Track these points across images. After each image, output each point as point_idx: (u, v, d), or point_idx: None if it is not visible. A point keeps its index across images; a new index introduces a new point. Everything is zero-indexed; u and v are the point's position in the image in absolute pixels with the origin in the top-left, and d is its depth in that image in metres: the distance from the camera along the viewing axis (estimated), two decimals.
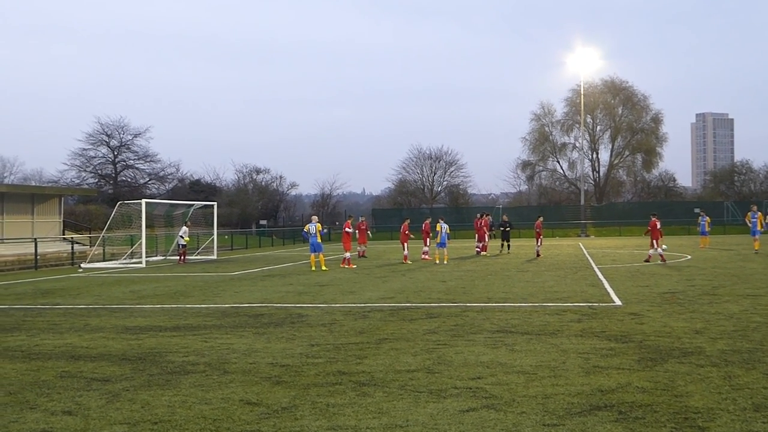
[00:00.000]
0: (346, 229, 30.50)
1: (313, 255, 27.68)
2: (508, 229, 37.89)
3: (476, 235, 37.78)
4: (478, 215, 38.75)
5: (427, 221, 34.68)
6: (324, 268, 27.19)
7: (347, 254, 28.60)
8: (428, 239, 33.69)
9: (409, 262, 30.75)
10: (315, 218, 28.56)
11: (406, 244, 31.90)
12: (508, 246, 37.67)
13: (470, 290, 18.54)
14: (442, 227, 31.11)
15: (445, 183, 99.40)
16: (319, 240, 27.50)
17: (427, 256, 32.81)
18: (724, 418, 6.45)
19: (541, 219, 36.42)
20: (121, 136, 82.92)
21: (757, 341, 10.21)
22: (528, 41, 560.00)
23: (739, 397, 7.17)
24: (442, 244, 30.82)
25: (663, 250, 28.27)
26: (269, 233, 67.89)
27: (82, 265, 32.91)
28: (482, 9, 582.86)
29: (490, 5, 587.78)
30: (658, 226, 29.30)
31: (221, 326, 12.82)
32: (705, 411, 6.68)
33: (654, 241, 28.88)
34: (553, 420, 6.49)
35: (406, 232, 32.44)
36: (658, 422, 6.36)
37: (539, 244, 34.53)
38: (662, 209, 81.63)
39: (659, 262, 28.14)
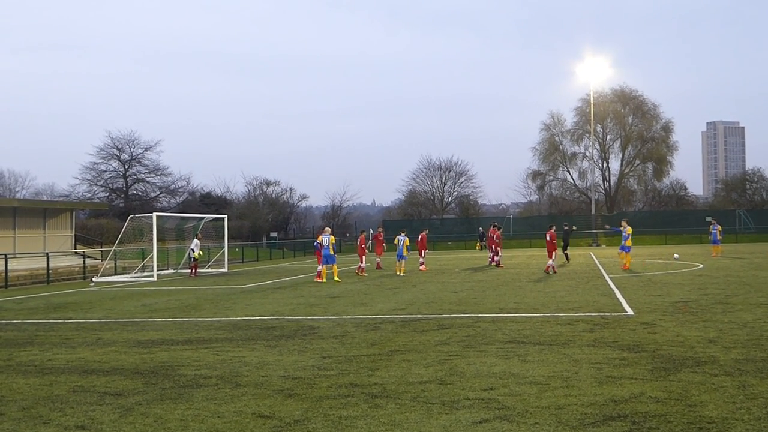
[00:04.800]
0: (315, 243, 29.34)
1: (324, 267, 27.69)
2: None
3: (490, 246, 37.78)
4: (493, 226, 38.74)
5: (380, 231, 36.98)
6: (336, 279, 27.21)
7: (319, 267, 28.29)
8: (423, 251, 34.45)
9: (365, 274, 30.85)
10: (328, 230, 28.62)
11: (363, 257, 32.32)
12: (566, 256, 37.51)
13: (482, 301, 18.50)
14: (400, 240, 31.83)
15: (455, 193, 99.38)
16: (332, 252, 27.53)
17: (423, 268, 33.26)
18: (738, 428, 6.41)
19: (498, 229, 36.86)
20: (132, 149, 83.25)
21: None
22: (538, 51, 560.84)
23: (754, 406, 7.13)
24: (400, 256, 31.33)
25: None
26: (280, 245, 67.97)
27: (93, 279, 33.04)
28: (495, 18, 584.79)
29: (503, 15, 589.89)
30: (552, 238, 29.80)
31: (233, 339, 12.83)
32: (719, 421, 6.64)
33: (550, 252, 29.51)
34: (567, 431, 6.46)
35: (363, 245, 32.92)
36: None
37: (498, 253, 35.56)
38: (674, 218, 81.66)
39: (550, 272, 28.58)
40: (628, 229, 30.78)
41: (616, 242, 72.18)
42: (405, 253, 31.50)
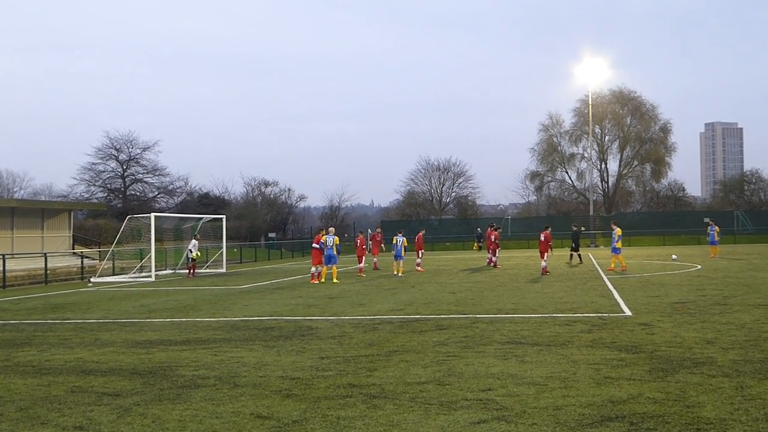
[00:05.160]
0: (314, 245, 28.86)
1: (325, 267, 27.70)
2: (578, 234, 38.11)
3: (488, 247, 37.75)
4: (491, 227, 38.72)
5: (378, 231, 37.11)
6: (335, 280, 27.19)
7: (313, 269, 28.29)
8: (420, 251, 34.86)
9: (363, 275, 31.00)
10: (332, 230, 28.69)
11: (363, 257, 32.52)
12: (570, 255, 37.43)
13: (480, 301, 18.50)
14: (398, 240, 31.98)
15: (453, 194, 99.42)
16: (335, 252, 27.58)
17: (420, 268, 33.52)
18: (736, 429, 6.41)
19: (495, 230, 36.79)
20: (130, 150, 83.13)
21: None
22: (537, 52, 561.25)
23: (752, 407, 7.13)
24: (398, 257, 31.51)
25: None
26: (278, 246, 67.98)
27: (91, 280, 33.01)
28: (494, 20, 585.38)
29: (502, 16, 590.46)
30: (547, 240, 29.74)
31: (231, 340, 12.83)
32: (717, 422, 6.64)
33: (542, 253, 29.50)
34: (565, 431, 6.47)
35: (363, 246, 33.09)
36: None
37: (495, 254, 35.52)
38: (672, 219, 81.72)
39: (543, 274, 28.57)
40: (617, 231, 30.81)
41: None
42: (403, 254, 31.58)
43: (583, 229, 37.94)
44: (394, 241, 32.23)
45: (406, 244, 32.03)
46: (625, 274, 27.38)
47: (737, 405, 7.22)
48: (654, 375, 8.72)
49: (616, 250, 30.42)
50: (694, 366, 9.20)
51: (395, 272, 30.56)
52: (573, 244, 37.38)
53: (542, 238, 29.79)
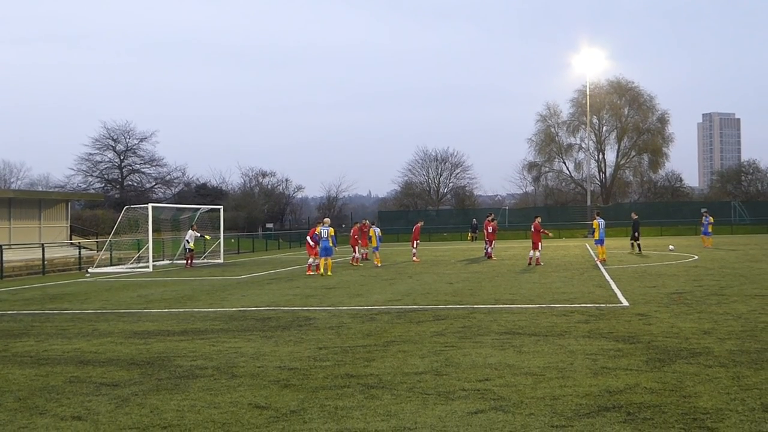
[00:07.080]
0: (308, 237, 29.03)
1: (323, 259, 27.63)
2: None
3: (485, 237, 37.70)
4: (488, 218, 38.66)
5: (365, 223, 36.70)
6: (329, 273, 27.15)
7: (310, 260, 28.34)
8: (415, 242, 35.29)
9: (361, 264, 31.98)
10: (327, 221, 28.61)
11: (356, 247, 33.09)
12: (631, 245, 37.18)
13: (477, 292, 18.53)
14: (375, 231, 32.93)
15: (451, 185, 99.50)
16: (331, 244, 27.50)
17: (416, 258, 34.05)
18: (732, 419, 6.44)
19: (493, 220, 36.56)
20: (127, 140, 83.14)
21: (765, 341, 10.18)
22: (535, 42, 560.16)
23: (748, 397, 7.16)
24: (375, 248, 32.46)
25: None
26: (276, 236, 67.98)
27: (89, 270, 33.00)
28: (493, 10, 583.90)
29: (501, 6, 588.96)
30: (536, 229, 29.43)
31: (229, 330, 12.85)
32: (714, 411, 6.67)
33: (535, 244, 29.18)
34: (562, 421, 6.49)
35: (356, 236, 33.52)
36: (666, 423, 6.35)
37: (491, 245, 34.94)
38: (669, 209, 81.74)
39: (541, 263, 28.56)
40: (594, 223, 31.00)
41: (612, 234, 72.06)
42: (377, 244, 32.68)
43: (636, 217, 37.96)
44: (372, 233, 32.96)
45: (380, 235, 32.98)
46: (622, 265, 27.39)
47: (734, 395, 7.25)
48: (651, 365, 8.75)
49: (598, 241, 30.55)
50: (690, 356, 9.22)
51: (377, 264, 31.23)
52: (635, 233, 37.12)
53: (533, 229, 29.46)
